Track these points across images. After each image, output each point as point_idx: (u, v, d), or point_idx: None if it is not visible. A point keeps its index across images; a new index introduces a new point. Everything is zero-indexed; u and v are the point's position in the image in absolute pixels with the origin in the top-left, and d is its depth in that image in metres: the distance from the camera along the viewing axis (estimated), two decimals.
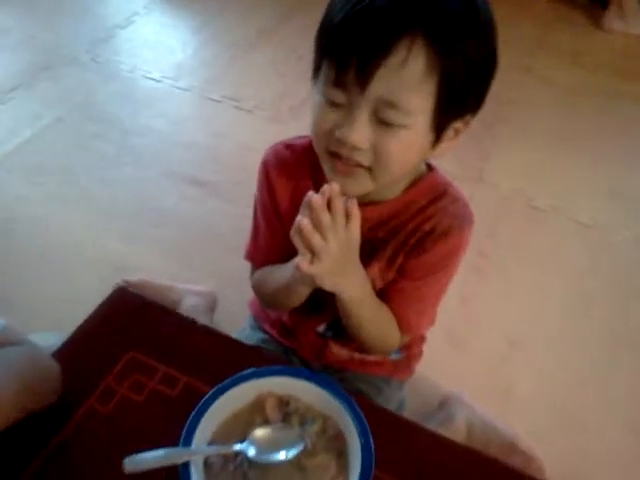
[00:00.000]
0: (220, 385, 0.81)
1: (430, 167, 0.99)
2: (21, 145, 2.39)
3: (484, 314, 1.87)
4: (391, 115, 0.75)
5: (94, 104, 2.65)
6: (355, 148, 0.77)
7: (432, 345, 1.30)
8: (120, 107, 2.64)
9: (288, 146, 1.02)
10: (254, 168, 1.05)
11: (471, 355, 1.74)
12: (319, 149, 0.85)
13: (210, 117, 2.65)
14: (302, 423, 0.81)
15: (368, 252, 0.94)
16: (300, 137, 1.02)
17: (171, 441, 0.75)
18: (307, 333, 1.15)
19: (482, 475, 0.84)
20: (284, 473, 0.76)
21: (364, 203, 0.87)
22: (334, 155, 0.81)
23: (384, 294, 1.00)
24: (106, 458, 0.78)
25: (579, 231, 2.18)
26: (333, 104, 0.78)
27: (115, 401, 0.86)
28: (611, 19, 3.31)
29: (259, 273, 1.08)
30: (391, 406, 1.21)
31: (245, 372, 0.83)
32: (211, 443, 0.78)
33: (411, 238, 0.95)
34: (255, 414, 0.82)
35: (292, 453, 0.77)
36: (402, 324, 1.01)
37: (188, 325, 1.00)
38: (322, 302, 0.96)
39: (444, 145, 0.85)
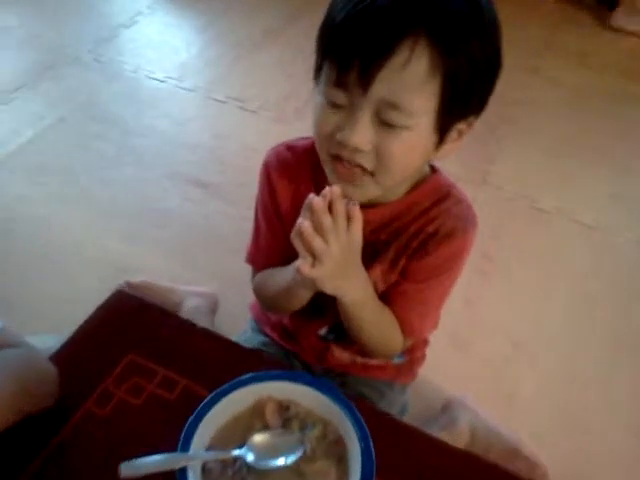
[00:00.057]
0: (219, 389, 0.80)
1: (433, 169, 0.98)
2: (24, 145, 2.38)
3: (488, 316, 1.86)
4: (393, 116, 0.73)
5: (97, 104, 2.65)
6: (357, 150, 0.76)
7: (435, 348, 1.29)
8: (123, 107, 2.64)
9: (289, 147, 1.01)
10: (258, 170, 1.04)
11: (474, 358, 1.73)
12: (321, 153, 0.84)
13: (214, 118, 2.64)
14: (302, 428, 0.80)
15: (370, 255, 0.93)
16: (302, 138, 1.01)
17: (169, 445, 0.74)
18: (308, 336, 1.14)
19: None
20: (283, 479, 0.75)
21: (366, 205, 0.86)
22: (336, 158, 0.80)
23: (386, 297, 0.98)
24: (103, 462, 0.77)
25: (582, 233, 2.17)
26: (334, 105, 0.77)
27: (113, 404, 0.85)
28: (621, 17, 3.29)
29: (260, 276, 1.07)
30: (394, 410, 1.21)
31: (244, 376, 0.82)
32: (210, 448, 0.78)
33: (414, 240, 0.94)
34: (255, 419, 0.81)
35: (291, 459, 0.76)
36: (405, 327, 1.00)
37: (187, 328, 0.99)
38: (324, 305, 0.96)
39: (447, 147, 0.84)
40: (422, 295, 0.99)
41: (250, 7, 3.37)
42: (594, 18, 3.45)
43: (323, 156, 0.84)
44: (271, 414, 0.81)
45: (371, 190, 0.83)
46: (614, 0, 3.38)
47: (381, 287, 0.99)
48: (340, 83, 0.74)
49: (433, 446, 0.87)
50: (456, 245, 0.93)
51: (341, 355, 1.14)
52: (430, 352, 1.28)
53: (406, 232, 0.94)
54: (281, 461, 0.75)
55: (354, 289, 0.87)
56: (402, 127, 0.74)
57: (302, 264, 0.77)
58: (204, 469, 0.75)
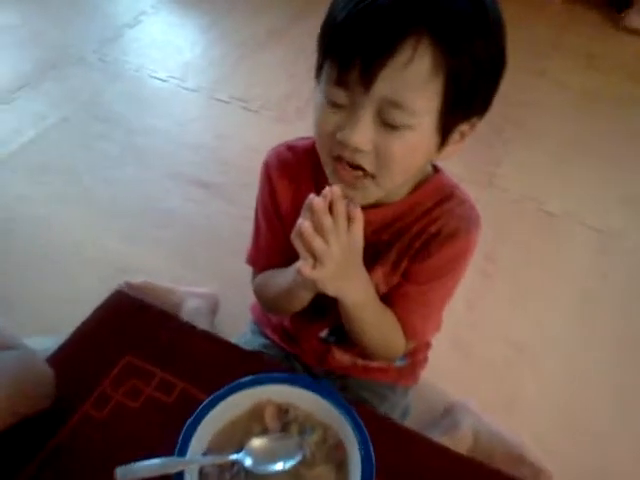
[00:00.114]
0: (217, 392, 0.79)
1: (436, 168, 0.96)
2: (26, 144, 2.38)
3: (490, 319, 1.85)
4: (396, 116, 0.72)
5: (100, 104, 2.64)
6: (357, 150, 0.75)
7: (437, 350, 1.28)
8: (126, 107, 2.63)
9: (290, 147, 1.00)
10: (259, 170, 1.03)
11: (476, 360, 1.72)
12: (322, 154, 0.83)
13: (217, 118, 2.64)
14: (301, 432, 0.79)
15: (372, 256, 0.92)
16: (302, 138, 1.00)
17: (167, 449, 0.73)
18: (309, 338, 1.13)
19: None
20: None
21: (367, 205, 0.85)
22: (336, 159, 0.79)
23: (388, 299, 0.97)
24: (100, 465, 0.76)
25: (589, 236, 2.16)
26: (335, 105, 0.76)
27: (110, 407, 0.84)
28: (635, 19, 3.27)
29: (260, 277, 1.06)
30: (395, 413, 1.20)
31: (243, 379, 0.81)
32: (207, 452, 0.77)
33: (416, 241, 0.93)
34: (253, 422, 0.80)
35: (290, 464, 0.75)
36: (407, 329, 0.99)
37: (186, 329, 0.98)
38: (324, 307, 0.94)
39: (450, 148, 0.82)
40: (424, 297, 0.97)
41: (254, 7, 3.37)
42: (602, 19, 3.44)
43: (324, 157, 0.83)
44: (270, 418, 0.80)
45: (372, 192, 0.82)
46: (628, 1, 3.35)
47: (383, 289, 0.97)
48: (341, 82, 0.73)
49: (434, 451, 0.86)
50: (459, 246, 0.92)
51: (342, 357, 1.13)
52: (431, 354, 1.26)
53: (408, 232, 0.93)
54: (280, 466, 0.74)
55: (355, 290, 0.85)
56: (404, 127, 0.73)
57: (303, 265, 0.77)
58: (201, 473, 0.74)
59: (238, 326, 1.33)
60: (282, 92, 2.74)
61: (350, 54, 0.71)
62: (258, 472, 0.74)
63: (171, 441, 0.74)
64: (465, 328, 1.78)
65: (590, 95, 2.86)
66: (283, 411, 0.81)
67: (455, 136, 0.81)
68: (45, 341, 0.99)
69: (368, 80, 0.70)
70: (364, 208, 0.78)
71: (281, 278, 0.94)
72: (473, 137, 0.84)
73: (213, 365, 0.90)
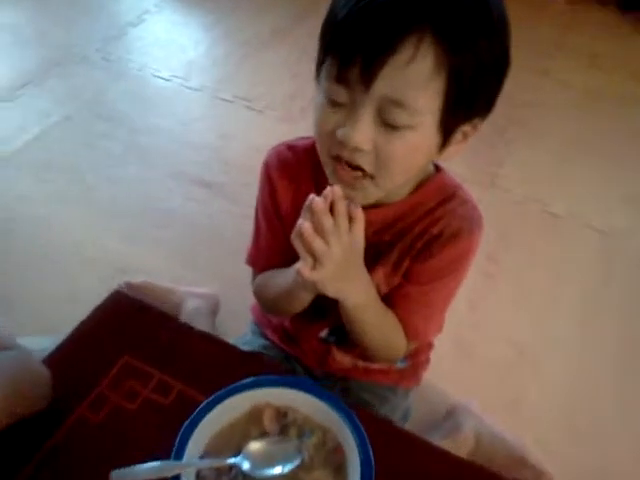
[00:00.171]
0: (215, 395, 0.78)
1: (438, 168, 0.95)
2: (29, 142, 2.38)
3: (492, 320, 1.84)
4: (396, 115, 0.71)
5: (103, 102, 2.64)
6: (357, 150, 0.74)
7: (439, 351, 1.27)
8: (130, 106, 2.63)
9: (290, 147, 0.99)
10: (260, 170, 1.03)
11: (478, 362, 1.71)
12: (322, 154, 0.82)
13: (220, 117, 2.63)
14: (300, 435, 0.78)
15: (373, 256, 0.91)
16: (302, 138, 0.99)
17: (164, 451, 0.73)
18: (309, 339, 1.12)
19: None
20: None
21: (368, 205, 0.84)
22: (336, 159, 0.78)
23: (389, 299, 0.96)
24: (97, 467, 0.74)
25: (593, 236, 2.15)
26: (335, 104, 0.75)
27: (107, 409, 0.83)
28: None
29: (260, 278, 1.06)
30: (396, 415, 1.19)
31: (242, 381, 0.80)
32: (205, 455, 0.76)
33: (418, 241, 0.92)
34: (251, 425, 0.79)
35: (288, 467, 0.74)
36: (409, 330, 0.98)
37: (185, 330, 0.97)
38: (325, 307, 0.93)
39: (451, 149, 0.81)
40: (426, 297, 0.97)
41: (258, 6, 3.37)
42: (605, 19, 3.43)
43: (323, 157, 0.82)
44: (268, 421, 0.79)
45: (371, 193, 0.81)
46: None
47: (384, 289, 0.97)
48: (341, 79, 0.72)
49: (434, 454, 0.85)
50: (461, 246, 0.91)
51: (342, 359, 1.12)
52: (433, 355, 1.26)
53: (410, 233, 0.92)
54: (278, 470, 0.73)
55: (356, 292, 0.85)
56: (405, 127, 0.72)
57: (302, 266, 0.76)
58: (198, 477, 0.73)
59: (239, 327, 1.32)
60: (286, 91, 2.73)
61: (351, 51, 0.70)
62: (256, 476, 0.73)
63: (168, 443, 0.73)
64: (467, 329, 1.77)
65: (593, 94, 2.85)
66: (282, 414, 0.80)
67: (457, 137, 0.80)
68: (43, 341, 0.99)
69: (368, 78, 0.69)
70: (365, 208, 0.77)
71: (281, 279, 0.94)
72: (475, 137, 0.83)
73: (212, 367, 0.89)
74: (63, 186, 2.20)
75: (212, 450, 0.76)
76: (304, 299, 0.91)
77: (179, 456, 0.72)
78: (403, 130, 0.72)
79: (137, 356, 0.89)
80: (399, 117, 0.71)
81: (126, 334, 0.94)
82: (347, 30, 0.70)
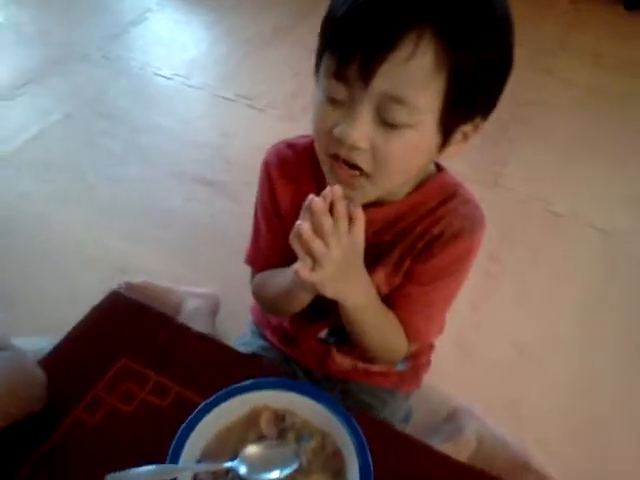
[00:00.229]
0: (212, 397, 0.77)
1: (439, 167, 0.94)
2: (30, 141, 2.38)
3: (494, 320, 1.83)
4: (396, 113, 0.70)
5: (104, 101, 2.64)
6: (354, 147, 0.73)
7: (440, 352, 1.26)
8: (131, 104, 2.63)
9: (290, 145, 0.98)
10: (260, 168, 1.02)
11: (481, 363, 1.70)
12: (320, 152, 0.81)
13: (222, 115, 2.63)
14: (298, 439, 0.77)
15: (373, 256, 0.90)
16: (302, 136, 0.98)
17: (160, 454, 0.72)
18: (309, 340, 1.11)
19: None
20: None
21: (369, 204, 0.83)
22: (333, 158, 0.77)
23: (390, 300, 0.95)
24: (93, 470, 0.73)
25: (595, 236, 2.14)
26: (334, 102, 0.73)
27: (103, 411, 0.83)
28: None
29: (259, 277, 1.05)
30: (397, 418, 1.18)
31: (239, 384, 0.79)
32: (201, 458, 0.75)
33: (419, 241, 0.91)
34: (249, 429, 0.78)
35: (286, 472, 0.73)
36: (410, 331, 0.97)
37: (183, 331, 0.96)
38: (324, 307, 0.92)
39: (452, 149, 0.80)
40: (427, 298, 0.95)
41: (260, 4, 3.36)
42: (608, 18, 3.42)
43: (321, 155, 0.81)
44: (266, 424, 0.78)
45: (369, 192, 0.80)
46: None
47: (384, 290, 0.95)
48: (340, 75, 0.71)
49: (434, 458, 0.84)
50: (463, 246, 0.90)
51: (342, 361, 1.11)
52: (434, 356, 1.25)
53: (411, 233, 0.91)
54: (275, 474, 0.72)
55: (356, 293, 0.84)
56: (404, 126, 0.71)
57: (301, 267, 0.74)
58: None
59: (239, 327, 1.31)
60: (288, 90, 2.72)
61: (350, 47, 0.69)
62: None
63: (165, 446, 0.72)
64: (469, 329, 1.76)
65: (596, 93, 2.84)
66: (280, 417, 0.79)
67: (457, 136, 0.78)
68: (40, 341, 0.98)
69: (367, 74, 0.68)
70: (365, 207, 0.76)
71: (280, 278, 0.92)
72: (478, 135, 0.81)
73: (210, 368, 0.88)
74: (64, 185, 2.19)
75: (209, 453, 0.75)
76: (303, 299, 0.90)
77: (175, 459, 0.71)
78: (402, 129, 0.71)
79: (134, 358, 0.89)
80: (398, 115, 0.70)
81: (123, 335, 0.93)
82: (346, 26, 0.69)
